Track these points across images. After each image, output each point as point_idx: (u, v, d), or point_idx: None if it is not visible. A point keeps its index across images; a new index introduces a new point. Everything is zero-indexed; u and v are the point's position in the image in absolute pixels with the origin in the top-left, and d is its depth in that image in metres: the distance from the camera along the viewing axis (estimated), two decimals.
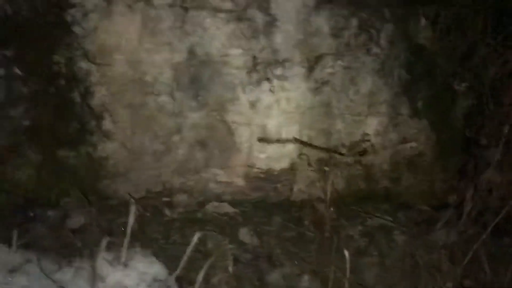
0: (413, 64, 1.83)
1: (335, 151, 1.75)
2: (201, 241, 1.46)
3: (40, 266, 1.37)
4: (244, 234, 1.62)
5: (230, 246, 1.54)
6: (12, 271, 1.36)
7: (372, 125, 1.79)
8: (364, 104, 1.77)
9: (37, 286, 1.28)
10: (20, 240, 1.36)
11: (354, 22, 1.68)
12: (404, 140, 1.87)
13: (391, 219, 1.75)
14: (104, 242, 1.34)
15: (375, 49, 1.73)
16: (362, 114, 1.78)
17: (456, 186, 1.87)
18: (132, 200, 1.51)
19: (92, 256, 1.33)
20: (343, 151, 1.82)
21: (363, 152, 1.86)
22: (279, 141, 1.69)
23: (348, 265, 1.28)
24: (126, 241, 1.33)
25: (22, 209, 1.56)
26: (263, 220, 1.72)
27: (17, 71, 1.48)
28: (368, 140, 1.83)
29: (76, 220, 1.57)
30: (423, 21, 1.79)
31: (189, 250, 1.31)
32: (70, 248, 1.47)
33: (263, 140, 1.65)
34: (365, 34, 1.71)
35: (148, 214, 1.63)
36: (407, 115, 1.84)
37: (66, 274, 1.39)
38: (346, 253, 1.29)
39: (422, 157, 1.91)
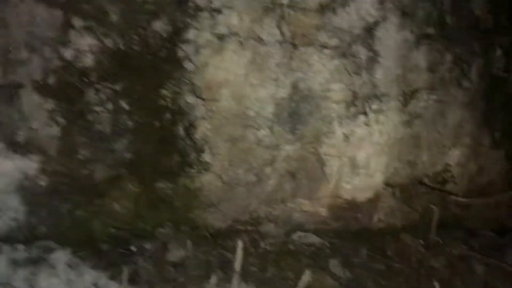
0: (493, 95, 2.11)
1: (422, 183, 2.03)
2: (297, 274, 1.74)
3: None
4: (335, 266, 1.91)
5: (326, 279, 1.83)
6: None
7: (454, 156, 2.09)
8: (450, 136, 2.06)
9: None
10: (126, 276, 1.60)
11: (448, 57, 1.96)
12: (480, 170, 2.18)
13: (467, 248, 2.06)
14: (214, 279, 1.61)
15: (466, 83, 2.01)
16: (447, 145, 2.08)
17: None
18: (240, 236, 1.77)
19: None
20: (426, 181, 2.11)
21: (443, 182, 2.17)
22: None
23: None
24: (236, 277, 1.60)
25: (123, 243, 1.79)
26: (350, 252, 2.00)
27: (124, 105, 1.69)
28: (449, 171, 2.13)
29: (176, 253, 1.83)
30: (499, 51, 2.06)
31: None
32: (173, 282, 1.72)
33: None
34: (458, 68, 1.98)
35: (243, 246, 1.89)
36: (487, 146, 2.13)
37: None
38: (437, 285, 1.60)
39: (493, 186, 2.23)
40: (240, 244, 1.72)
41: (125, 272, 1.67)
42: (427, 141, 2.10)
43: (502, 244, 2.32)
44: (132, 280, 1.70)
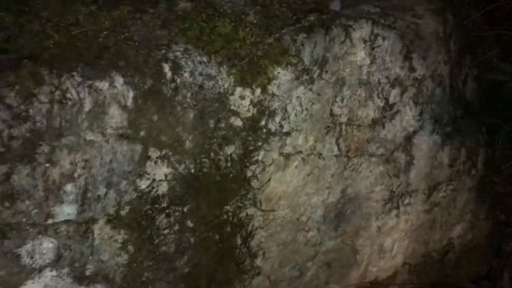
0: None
1: None
2: None
3: None
4: None
5: None
6: None
7: (457, 231, 2.48)
8: (457, 216, 2.44)
9: None
10: None
11: (463, 151, 2.31)
12: (473, 239, 2.60)
13: None
14: None
15: (474, 171, 2.38)
16: (454, 223, 2.45)
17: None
18: None
19: None
20: (434, 254, 2.48)
21: (446, 253, 2.56)
22: None
23: None
24: None
25: None
26: None
27: (189, 223, 1.81)
28: (452, 243, 2.52)
29: None
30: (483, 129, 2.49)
31: None
32: None
33: None
34: (470, 161, 2.34)
35: None
36: (482, 220, 2.56)
37: None
38: None
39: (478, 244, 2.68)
40: None
41: None
42: (440, 223, 2.42)
43: None
44: None
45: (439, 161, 2.26)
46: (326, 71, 1.88)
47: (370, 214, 2.18)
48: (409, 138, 2.12)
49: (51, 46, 1.49)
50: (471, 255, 2.73)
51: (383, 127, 2.02)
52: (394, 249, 2.37)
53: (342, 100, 1.93)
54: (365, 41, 1.93)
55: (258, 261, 2.04)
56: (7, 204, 1.45)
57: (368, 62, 1.96)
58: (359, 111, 1.96)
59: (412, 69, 2.04)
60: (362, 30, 1.92)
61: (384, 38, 1.97)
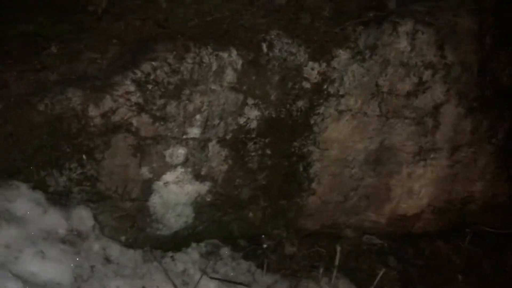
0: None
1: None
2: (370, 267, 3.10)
3: (286, 285, 2.95)
4: (392, 261, 3.29)
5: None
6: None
7: (478, 187, 3.44)
8: (477, 175, 3.40)
9: None
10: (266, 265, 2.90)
11: (485, 123, 3.25)
12: (495, 196, 3.54)
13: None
14: (321, 270, 2.95)
15: (494, 140, 3.32)
16: (474, 181, 3.41)
17: None
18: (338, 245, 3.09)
19: (315, 279, 2.90)
20: (455, 203, 3.46)
21: (466, 203, 3.52)
22: None
23: None
24: (335, 271, 2.93)
25: (250, 240, 3.10)
26: (401, 251, 3.38)
27: (268, 151, 2.95)
28: (472, 196, 3.47)
29: (289, 249, 3.16)
30: None
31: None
32: (289, 270, 3.04)
33: None
34: (491, 131, 3.29)
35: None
36: (502, 180, 3.48)
37: None
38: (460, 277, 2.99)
39: (504, 203, 3.60)
40: (338, 248, 3.03)
41: (265, 263, 2.96)
42: (462, 177, 3.41)
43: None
44: (268, 268, 3.00)
45: (462, 128, 3.23)
46: (376, 54, 2.92)
47: (402, 162, 3.22)
48: (437, 108, 3.11)
49: (193, 27, 2.67)
50: (493, 210, 3.67)
51: (416, 98, 3.03)
52: (421, 192, 3.40)
53: (386, 75, 2.96)
54: (407, 34, 2.93)
55: (314, 185, 3.18)
56: (162, 123, 2.68)
57: (409, 49, 2.96)
58: (398, 85, 2.98)
59: (443, 57, 3.01)
60: (406, 26, 2.92)
61: (423, 32, 2.95)
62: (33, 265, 2.15)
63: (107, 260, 2.48)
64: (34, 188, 2.42)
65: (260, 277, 2.91)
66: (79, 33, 2.64)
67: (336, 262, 3.00)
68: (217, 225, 3.05)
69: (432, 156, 3.21)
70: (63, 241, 2.40)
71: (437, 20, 2.99)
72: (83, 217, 2.53)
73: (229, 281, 2.68)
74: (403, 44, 2.89)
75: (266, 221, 3.14)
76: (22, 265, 2.11)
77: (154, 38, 2.59)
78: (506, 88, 3.43)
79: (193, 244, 2.88)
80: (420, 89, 2.98)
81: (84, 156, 2.56)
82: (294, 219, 3.21)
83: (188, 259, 2.72)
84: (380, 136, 3.05)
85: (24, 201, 2.32)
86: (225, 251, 2.91)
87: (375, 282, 3.00)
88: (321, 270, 2.98)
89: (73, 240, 2.44)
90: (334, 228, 3.33)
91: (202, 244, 2.90)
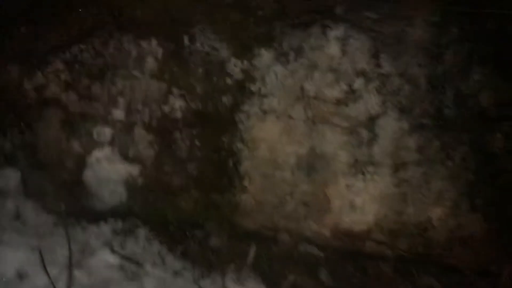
0: (481, 168, 3.23)
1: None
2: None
3: (193, 273, 3.05)
4: (323, 273, 3.24)
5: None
6: (175, 273, 3.05)
7: (436, 213, 3.27)
8: (432, 199, 3.23)
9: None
10: (180, 251, 3.02)
11: (436, 143, 3.11)
12: (459, 226, 3.33)
13: (437, 282, 3.25)
14: (232, 266, 3.01)
15: (450, 163, 3.15)
16: (429, 205, 3.25)
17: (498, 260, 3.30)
18: (253, 243, 3.14)
19: (223, 273, 2.97)
20: (411, 227, 3.32)
21: (425, 229, 3.36)
22: None
23: None
24: (247, 268, 2.97)
25: (183, 227, 3.25)
26: (338, 266, 3.31)
27: (197, 142, 3.08)
28: (431, 222, 3.31)
29: (214, 242, 3.25)
30: (498, 135, 3.16)
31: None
32: (209, 262, 3.13)
33: None
34: (444, 153, 3.13)
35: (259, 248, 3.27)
36: (465, 210, 3.28)
37: (205, 282, 3.06)
38: None
39: (473, 237, 3.38)
40: (253, 248, 3.11)
41: (179, 248, 3.13)
42: (413, 199, 3.29)
43: (477, 284, 3.46)
44: (182, 254, 3.17)
45: (406, 144, 3.16)
46: (302, 57, 3.02)
47: (337, 172, 3.24)
48: (372, 119, 3.10)
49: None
50: (465, 245, 3.49)
51: (347, 106, 3.07)
52: (365, 208, 3.37)
53: (312, 80, 3.04)
54: (338, 39, 2.99)
55: (245, 183, 3.32)
56: (87, 101, 3.05)
57: (340, 55, 3.02)
58: (326, 90, 3.05)
59: (378, 66, 3.02)
60: (337, 31, 2.99)
61: (355, 39, 3.00)
62: None
63: (16, 217, 2.88)
64: None
65: (171, 261, 3.11)
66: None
67: (248, 262, 3.10)
68: (152, 209, 3.32)
69: (371, 170, 3.17)
70: None
71: (381, 28, 2.99)
72: (9, 177, 2.97)
73: (123, 256, 2.92)
74: (333, 49, 2.96)
75: (198, 212, 3.35)
76: None
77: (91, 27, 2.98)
78: (483, 110, 3.27)
79: (111, 220, 3.17)
80: (351, 98, 3.00)
81: (22, 124, 3.00)
82: (228, 215, 3.37)
83: (97, 232, 3.03)
84: (309, 141, 3.12)
85: None
86: (142, 231, 3.16)
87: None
88: (232, 266, 3.09)
89: None
90: (272, 231, 3.42)
91: (120, 221, 3.18)
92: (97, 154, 3.13)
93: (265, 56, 2.97)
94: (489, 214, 3.36)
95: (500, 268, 3.40)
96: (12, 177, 2.96)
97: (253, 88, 3.02)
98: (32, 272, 2.63)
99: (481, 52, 3.19)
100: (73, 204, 3.25)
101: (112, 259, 2.90)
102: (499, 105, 3.23)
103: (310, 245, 3.42)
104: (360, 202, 3.29)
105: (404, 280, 3.39)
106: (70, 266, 2.71)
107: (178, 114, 3.08)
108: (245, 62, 2.98)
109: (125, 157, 3.16)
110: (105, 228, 3.06)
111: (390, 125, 3.10)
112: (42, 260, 2.65)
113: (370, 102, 3.05)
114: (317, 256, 3.41)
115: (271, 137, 3.15)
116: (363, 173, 3.21)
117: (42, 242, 2.77)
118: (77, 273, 2.74)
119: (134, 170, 3.20)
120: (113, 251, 2.95)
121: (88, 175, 3.18)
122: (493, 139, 3.23)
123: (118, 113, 3.03)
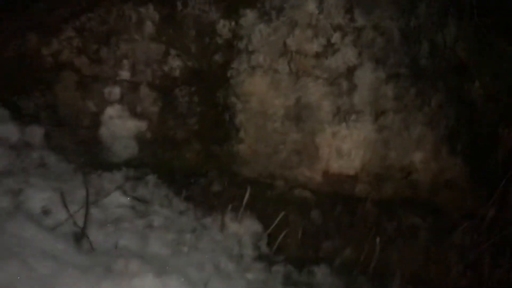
0: (460, 114, 3.56)
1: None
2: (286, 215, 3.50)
3: (195, 212, 3.49)
4: (315, 214, 3.64)
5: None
6: (180, 213, 3.50)
7: (417, 157, 3.62)
8: (413, 144, 3.59)
9: (190, 227, 3.39)
10: (184, 195, 3.47)
11: (412, 90, 3.45)
12: (441, 170, 3.67)
13: (421, 220, 3.60)
14: (230, 206, 3.44)
15: (427, 109, 3.50)
16: (410, 150, 3.61)
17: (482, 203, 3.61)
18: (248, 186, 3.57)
19: (222, 213, 3.41)
20: (395, 171, 3.67)
21: (409, 173, 3.71)
22: None
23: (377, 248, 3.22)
24: (242, 208, 3.40)
25: (186, 176, 3.70)
26: (328, 207, 3.70)
27: (195, 98, 3.53)
28: (414, 166, 3.66)
29: (216, 188, 3.69)
30: (477, 83, 3.48)
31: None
32: (210, 204, 3.57)
33: None
34: (420, 99, 3.47)
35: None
36: (446, 154, 3.62)
37: (207, 220, 3.50)
38: (378, 240, 3.24)
39: (457, 180, 3.72)
40: (248, 190, 3.53)
41: (184, 193, 3.60)
42: (395, 144, 3.65)
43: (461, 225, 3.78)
44: (187, 198, 3.63)
45: (383, 93, 3.52)
46: (283, 16, 3.42)
47: (323, 121, 3.63)
48: (350, 70, 3.47)
49: None
50: (448, 188, 3.83)
51: (326, 59, 3.44)
52: (352, 154, 3.74)
53: (293, 36, 3.43)
54: None
55: (241, 134, 3.75)
56: (97, 65, 3.53)
57: (317, 12, 3.40)
58: (306, 45, 3.43)
59: (352, 20, 3.38)
60: None
61: None
62: None
63: (41, 165, 3.41)
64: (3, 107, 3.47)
65: (176, 203, 3.58)
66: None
67: (244, 201, 3.54)
68: (160, 161, 3.80)
69: (353, 118, 3.54)
70: (11, 146, 3.38)
71: None
72: (35, 132, 3.50)
73: (134, 197, 3.41)
74: (311, 6, 3.33)
75: (201, 162, 3.81)
76: None
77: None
78: (459, 60, 3.59)
79: (124, 168, 3.67)
80: (329, 51, 3.38)
81: (42, 86, 3.52)
82: (228, 164, 3.81)
83: (111, 177, 3.53)
84: (295, 93, 3.51)
85: None
86: (151, 177, 3.65)
87: (276, 221, 3.46)
88: (230, 206, 3.55)
89: (20, 147, 3.42)
90: (269, 178, 3.84)
91: (132, 170, 3.67)
92: (110, 112, 3.60)
93: (249, 15, 3.36)
94: (470, 158, 3.67)
95: (484, 211, 3.69)
96: (37, 133, 3.47)
97: (241, 46, 3.42)
98: (55, 209, 3.14)
99: (457, 4, 3.47)
100: (91, 157, 3.75)
101: (124, 199, 3.38)
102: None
103: (304, 190, 3.81)
104: (346, 149, 3.66)
105: (390, 219, 3.75)
106: (87, 204, 3.20)
107: (177, 73, 3.52)
108: (232, 22, 3.38)
109: (134, 114, 3.62)
110: (118, 175, 3.54)
111: (367, 75, 3.45)
112: (63, 199, 3.15)
113: (347, 55, 3.40)
114: (309, 199, 3.80)
115: (261, 91, 3.56)
116: (346, 121, 3.57)
117: (63, 185, 3.27)
118: (93, 210, 3.24)
119: (142, 125, 3.66)
120: (125, 193, 3.43)
121: (103, 131, 3.66)
122: (470, 88, 3.52)
123: (124, 74, 3.49)
